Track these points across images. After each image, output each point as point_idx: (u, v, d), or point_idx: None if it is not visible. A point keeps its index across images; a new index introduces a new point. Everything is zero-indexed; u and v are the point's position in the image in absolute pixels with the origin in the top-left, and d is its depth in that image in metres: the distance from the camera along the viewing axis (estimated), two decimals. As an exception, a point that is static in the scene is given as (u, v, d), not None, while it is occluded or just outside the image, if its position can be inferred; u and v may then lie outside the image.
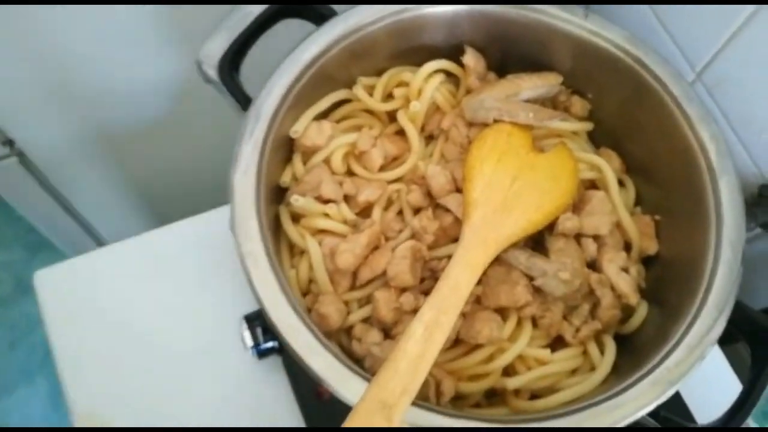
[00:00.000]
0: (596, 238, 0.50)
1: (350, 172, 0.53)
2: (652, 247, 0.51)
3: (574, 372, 0.48)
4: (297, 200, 0.49)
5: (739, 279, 0.43)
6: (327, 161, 0.52)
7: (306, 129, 0.51)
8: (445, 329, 0.40)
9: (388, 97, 0.55)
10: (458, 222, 0.49)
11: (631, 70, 0.50)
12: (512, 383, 0.46)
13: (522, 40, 0.53)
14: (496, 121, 0.52)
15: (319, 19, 0.51)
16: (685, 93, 0.49)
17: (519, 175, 0.49)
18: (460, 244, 0.45)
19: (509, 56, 0.55)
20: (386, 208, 0.51)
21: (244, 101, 0.49)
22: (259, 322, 0.50)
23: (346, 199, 0.51)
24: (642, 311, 0.49)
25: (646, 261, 0.52)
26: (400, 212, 0.52)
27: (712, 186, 0.46)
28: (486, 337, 0.45)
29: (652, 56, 0.50)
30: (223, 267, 0.56)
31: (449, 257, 0.45)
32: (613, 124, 0.55)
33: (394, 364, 0.38)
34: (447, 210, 0.50)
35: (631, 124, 0.53)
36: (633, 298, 0.48)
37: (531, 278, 0.47)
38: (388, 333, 0.47)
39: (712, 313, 0.42)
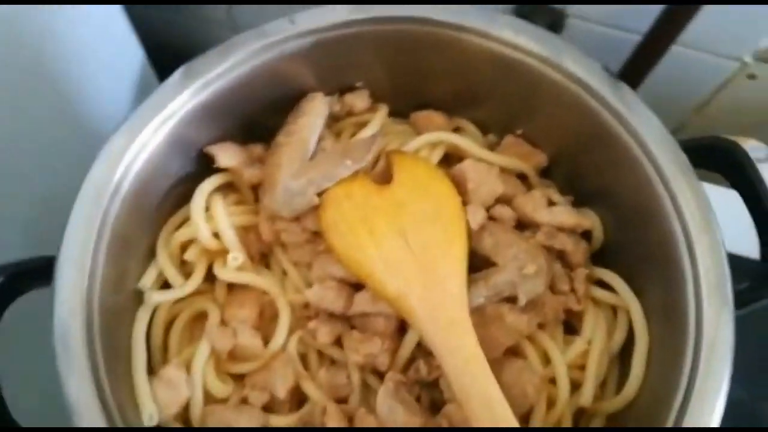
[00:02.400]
0: (502, 201, 0.43)
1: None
2: (540, 158, 0.45)
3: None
4: None
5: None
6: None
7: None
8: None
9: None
10: (390, 320, 0.39)
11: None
12: (585, 397, 0.39)
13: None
14: (320, 195, 0.40)
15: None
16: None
17: (401, 225, 0.39)
18: (436, 350, 0.35)
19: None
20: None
21: None
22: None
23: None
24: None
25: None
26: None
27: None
28: (534, 389, 0.37)
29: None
30: None
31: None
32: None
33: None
34: (367, 316, 0.39)
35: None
36: (580, 219, 0.42)
37: (507, 299, 0.39)
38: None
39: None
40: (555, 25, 0.62)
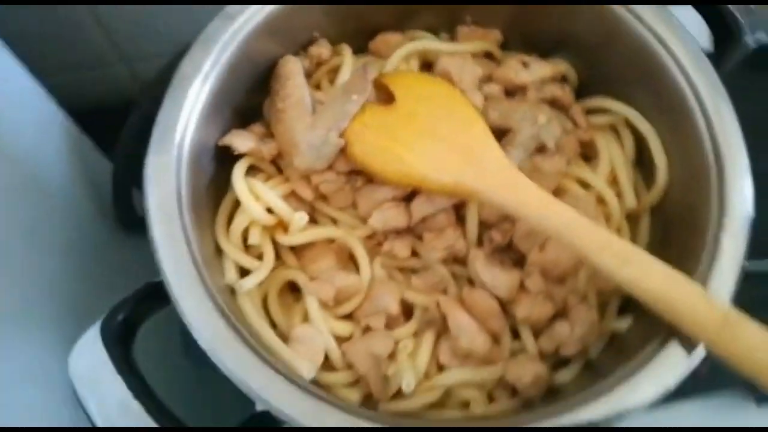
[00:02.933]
0: (485, 81, 0.48)
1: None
2: (495, 34, 0.50)
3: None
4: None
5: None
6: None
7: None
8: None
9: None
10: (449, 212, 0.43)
11: None
12: (629, 199, 0.45)
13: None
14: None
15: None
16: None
17: (422, 128, 0.43)
18: (509, 209, 0.39)
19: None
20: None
21: None
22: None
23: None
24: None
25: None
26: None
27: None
28: (592, 210, 0.43)
29: None
30: None
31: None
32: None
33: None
34: (428, 219, 0.43)
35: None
36: (555, 67, 0.48)
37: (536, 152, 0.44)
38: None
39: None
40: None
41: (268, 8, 0.43)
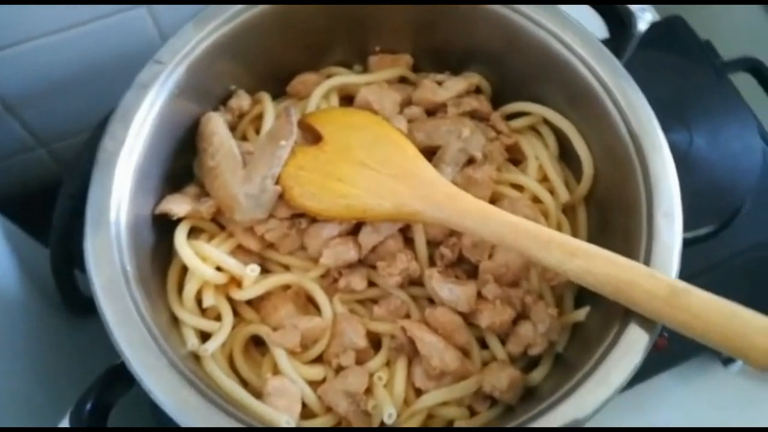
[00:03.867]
0: (405, 104, 0.49)
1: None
2: (405, 58, 0.52)
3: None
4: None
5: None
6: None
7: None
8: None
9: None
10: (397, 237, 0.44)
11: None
12: (561, 192, 0.47)
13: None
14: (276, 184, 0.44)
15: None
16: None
17: (357, 160, 0.43)
18: (452, 224, 0.40)
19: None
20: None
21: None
22: None
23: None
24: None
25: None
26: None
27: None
28: (530, 210, 0.44)
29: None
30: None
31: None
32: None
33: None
34: (378, 247, 0.44)
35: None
36: (468, 81, 0.50)
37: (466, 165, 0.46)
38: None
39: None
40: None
41: (180, 69, 0.43)
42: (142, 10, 0.67)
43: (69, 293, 0.62)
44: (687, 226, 0.40)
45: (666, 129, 0.43)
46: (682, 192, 0.41)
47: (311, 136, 0.46)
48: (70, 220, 0.56)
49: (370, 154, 0.43)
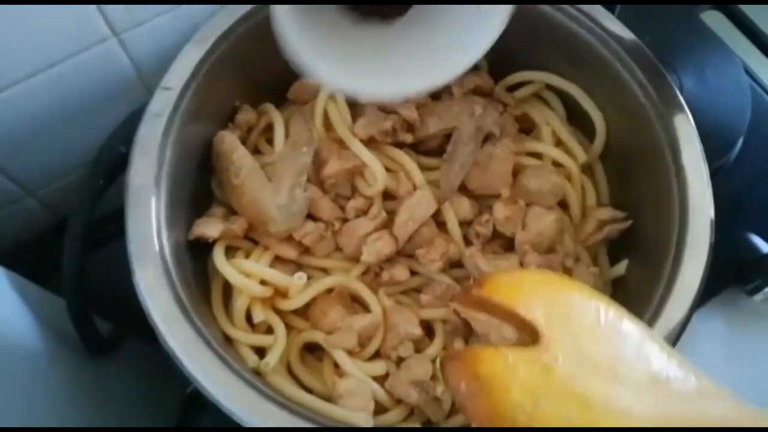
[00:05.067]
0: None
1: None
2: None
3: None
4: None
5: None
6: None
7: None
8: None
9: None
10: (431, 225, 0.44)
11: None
12: (578, 153, 0.48)
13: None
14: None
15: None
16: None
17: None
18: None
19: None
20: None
21: None
22: None
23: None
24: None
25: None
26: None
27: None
28: (558, 178, 0.45)
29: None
30: None
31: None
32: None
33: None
34: (414, 236, 0.44)
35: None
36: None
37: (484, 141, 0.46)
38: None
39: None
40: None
41: (189, 93, 0.43)
42: (112, 41, 0.66)
43: (90, 337, 0.61)
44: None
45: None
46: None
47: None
48: (80, 266, 0.56)
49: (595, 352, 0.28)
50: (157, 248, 0.38)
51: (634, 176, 0.45)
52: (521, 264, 0.43)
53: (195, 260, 0.43)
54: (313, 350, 0.44)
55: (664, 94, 0.42)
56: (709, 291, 0.56)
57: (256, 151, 0.49)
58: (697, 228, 0.39)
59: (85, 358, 0.65)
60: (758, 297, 0.59)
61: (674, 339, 0.37)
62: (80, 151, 0.81)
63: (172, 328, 0.36)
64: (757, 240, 0.58)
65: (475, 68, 0.51)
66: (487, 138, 0.47)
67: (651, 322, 0.37)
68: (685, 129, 0.41)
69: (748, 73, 0.65)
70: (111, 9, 0.58)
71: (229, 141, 0.45)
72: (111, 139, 0.54)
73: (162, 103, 0.41)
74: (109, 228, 0.54)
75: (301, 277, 0.42)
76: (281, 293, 0.43)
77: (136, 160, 0.40)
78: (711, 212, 0.39)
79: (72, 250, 0.55)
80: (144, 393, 0.62)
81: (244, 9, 0.44)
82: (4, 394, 0.52)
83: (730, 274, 0.57)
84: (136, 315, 0.44)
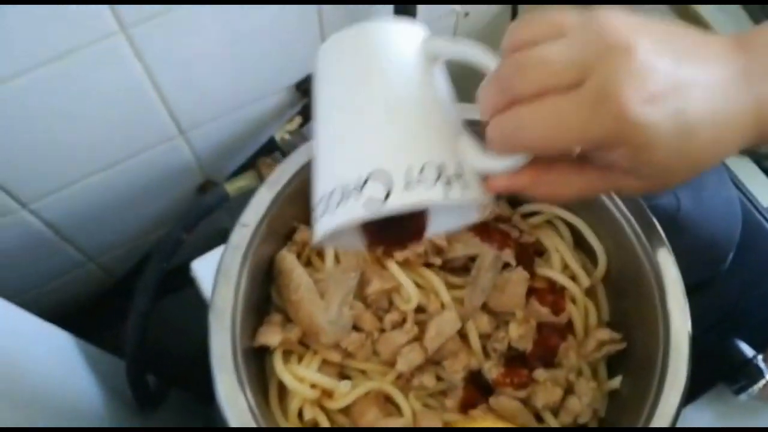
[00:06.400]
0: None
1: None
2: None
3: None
4: None
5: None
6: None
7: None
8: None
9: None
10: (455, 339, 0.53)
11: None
12: (581, 278, 0.56)
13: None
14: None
15: None
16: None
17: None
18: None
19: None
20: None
21: None
22: None
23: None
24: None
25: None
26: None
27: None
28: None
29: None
30: None
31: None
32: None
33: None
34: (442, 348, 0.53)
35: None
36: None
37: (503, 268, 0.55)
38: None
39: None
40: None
41: (263, 228, 0.52)
42: (179, 140, 0.76)
43: (143, 396, 0.70)
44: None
45: (655, 195, 0.52)
46: (675, 252, 0.50)
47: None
48: (143, 334, 0.65)
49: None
50: (232, 359, 0.47)
51: (627, 298, 0.53)
52: (530, 377, 0.51)
53: (256, 360, 0.52)
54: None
55: (650, 234, 0.51)
56: (700, 388, 0.64)
57: (308, 264, 0.58)
58: (678, 346, 0.47)
59: (135, 413, 0.74)
60: (743, 396, 0.66)
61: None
62: (141, 224, 0.92)
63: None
64: (743, 345, 0.65)
65: (496, 198, 0.60)
66: (506, 265, 0.55)
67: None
68: (666, 259, 0.49)
69: (738, 187, 0.73)
70: (180, 111, 0.69)
71: (289, 261, 0.54)
72: (174, 229, 0.64)
73: (240, 238, 0.51)
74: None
75: (346, 384, 0.50)
76: (328, 393, 0.52)
77: (220, 287, 0.49)
78: (689, 329, 0.47)
79: (136, 323, 0.65)
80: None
81: (307, 156, 0.54)
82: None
83: (718, 375, 0.65)
84: (181, 368, 0.51)
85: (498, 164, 0.31)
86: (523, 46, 0.28)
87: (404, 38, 0.33)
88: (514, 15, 0.81)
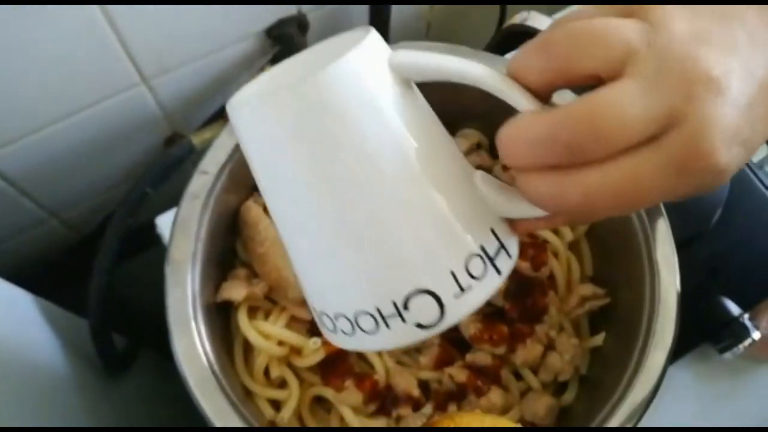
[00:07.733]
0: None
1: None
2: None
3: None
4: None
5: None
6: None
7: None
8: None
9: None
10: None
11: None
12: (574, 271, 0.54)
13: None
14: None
15: None
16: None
17: None
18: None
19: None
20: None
21: None
22: None
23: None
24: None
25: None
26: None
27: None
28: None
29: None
30: None
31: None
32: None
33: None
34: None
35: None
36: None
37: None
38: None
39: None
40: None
41: (223, 176, 0.48)
42: (142, 88, 0.72)
43: (107, 355, 0.67)
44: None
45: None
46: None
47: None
48: (106, 294, 0.62)
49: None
50: (191, 316, 0.43)
51: (613, 254, 0.51)
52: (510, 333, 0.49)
53: (220, 317, 0.49)
54: (321, 401, 0.50)
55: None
56: (683, 347, 0.62)
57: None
58: (666, 303, 0.45)
59: (102, 377, 0.71)
60: (728, 355, 0.64)
61: (644, 407, 0.42)
62: (105, 178, 0.87)
63: (205, 393, 0.41)
64: (729, 303, 0.63)
65: (477, 147, 0.57)
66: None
67: (625, 388, 0.43)
68: (655, 213, 0.47)
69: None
70: (142, 56, 0.64)
71: (255, 212, 0.51)
72: (138, 182, 0.61)
73: (199, 186, 0.47)
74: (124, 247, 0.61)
75: (316, 341, 0.47)
76: (296, 351, 0.49)
77: (176, 238, 0.45)
78: (678, 286, 0.44)
79: (99, 282, 0.62)
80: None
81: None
82: (29, 414, 0.58)
83: (703, 334, 0.63)
84: (150, 328, 0.48)
85: (535, 212, 0.25)
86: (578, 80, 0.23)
87: (364, 74, 0.25)
88: (502, 16, 0.76)
